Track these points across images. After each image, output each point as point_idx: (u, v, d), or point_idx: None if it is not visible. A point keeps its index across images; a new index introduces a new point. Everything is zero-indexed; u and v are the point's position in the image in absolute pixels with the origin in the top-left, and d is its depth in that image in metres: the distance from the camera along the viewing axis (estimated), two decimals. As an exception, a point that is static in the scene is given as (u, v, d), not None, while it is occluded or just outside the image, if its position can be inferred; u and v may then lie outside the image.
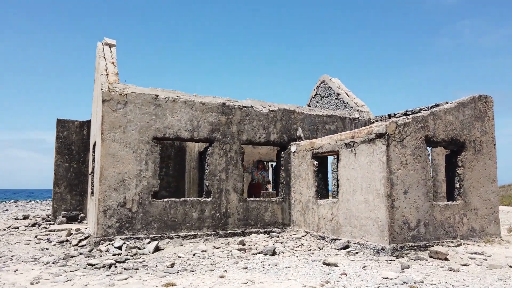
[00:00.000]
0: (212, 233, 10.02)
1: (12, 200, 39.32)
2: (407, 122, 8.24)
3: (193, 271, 6.74)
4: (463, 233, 8.62)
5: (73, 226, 11.54)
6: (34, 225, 12.65)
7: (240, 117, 10.74)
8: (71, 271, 6.79)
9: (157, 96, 9.79)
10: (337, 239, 9.08)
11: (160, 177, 14.73)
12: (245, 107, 10.84)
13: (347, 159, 9.04)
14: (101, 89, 9.32)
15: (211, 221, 10.09)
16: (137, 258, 7.93)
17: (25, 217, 15.24)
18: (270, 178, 16.76)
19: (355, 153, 8.78)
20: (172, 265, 7.11)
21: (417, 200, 8.12)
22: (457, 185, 8.90)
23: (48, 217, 14.01)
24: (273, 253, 8.25)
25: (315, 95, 15.59)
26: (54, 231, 11.16)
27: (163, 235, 9.49)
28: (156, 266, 7.24)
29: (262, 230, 10.63)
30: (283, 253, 8.37)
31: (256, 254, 8.30)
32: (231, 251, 8.49)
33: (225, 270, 6.76)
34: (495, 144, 9.36)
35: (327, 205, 9.66)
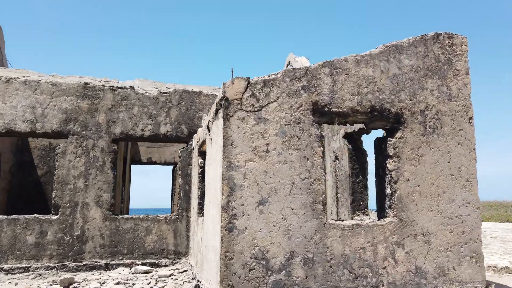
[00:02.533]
0: (56, 265, 7.04)
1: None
2: (270, 79, 4.66)
3: None
4: (396, 278, 4.67)
5: None
6: None
7: (111, 102, 7.77)
8: None
9: (-18, 75, 7.24)
10: (194, 279, 5.62)
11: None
12: (120, 88, 7.85)
13: (209, 150, 5.64)
14: None
15: (56, 248, 7.13)
16: None
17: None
18: None
19: (211, 139, 5.37)
20: None
21: (289, 216, 4.44)
22: (388, 191, 4.99)
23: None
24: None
25: (282, 83, 12.07)
26: None
27: (-25, 267, 6.75)
28: None
29: (140, 262, 7.41)
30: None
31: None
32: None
33: None
34: (471, 118, 5.28)
35: (202, 225, 6.24)
